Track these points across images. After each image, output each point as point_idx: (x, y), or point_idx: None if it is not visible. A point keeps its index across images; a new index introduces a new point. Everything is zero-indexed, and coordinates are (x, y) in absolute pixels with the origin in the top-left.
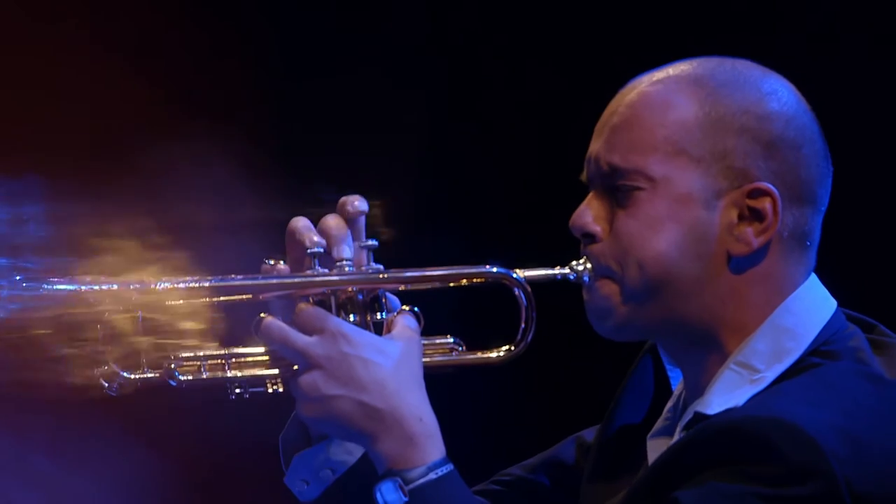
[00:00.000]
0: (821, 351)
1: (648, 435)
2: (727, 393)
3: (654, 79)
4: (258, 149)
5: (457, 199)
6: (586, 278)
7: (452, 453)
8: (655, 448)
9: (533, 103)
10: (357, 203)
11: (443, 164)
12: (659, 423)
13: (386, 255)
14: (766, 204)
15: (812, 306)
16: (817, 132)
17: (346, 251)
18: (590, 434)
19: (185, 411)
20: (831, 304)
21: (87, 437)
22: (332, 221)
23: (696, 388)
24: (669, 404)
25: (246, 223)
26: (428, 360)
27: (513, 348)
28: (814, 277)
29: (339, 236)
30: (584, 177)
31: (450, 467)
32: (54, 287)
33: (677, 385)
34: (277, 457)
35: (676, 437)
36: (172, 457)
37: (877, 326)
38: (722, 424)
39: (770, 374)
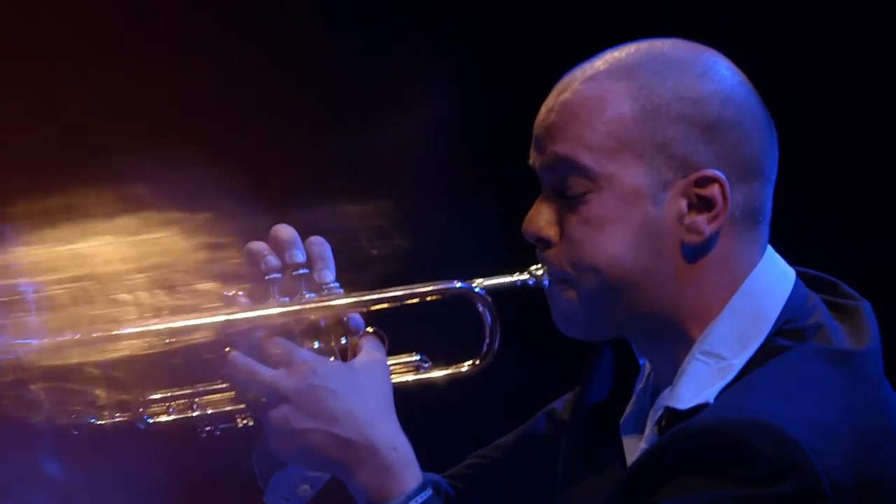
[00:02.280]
0: (784, 331)
1: (621, 420)
2: (696, 385)
3: (587, 75)
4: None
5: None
6: (546, 282)
7: (430, 461)
8: (631, 446)
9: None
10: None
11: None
12: (630, 406)
13: None
14: (714, 190)
15: (771, 285)
16: (756, 103)
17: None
18: (560, 404)
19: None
20: (790, 276)
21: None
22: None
23: (665, 375)
24: (639, 385)
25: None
26: (396, 379)
27: (478, 362)
28: (770, 251)
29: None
30: (531, 161)
31: (428, 493)
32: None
33: (645, 363)
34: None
35: (648, 429)
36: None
37: (839, 286)
38: (698, 429)
39: (737, 362)
